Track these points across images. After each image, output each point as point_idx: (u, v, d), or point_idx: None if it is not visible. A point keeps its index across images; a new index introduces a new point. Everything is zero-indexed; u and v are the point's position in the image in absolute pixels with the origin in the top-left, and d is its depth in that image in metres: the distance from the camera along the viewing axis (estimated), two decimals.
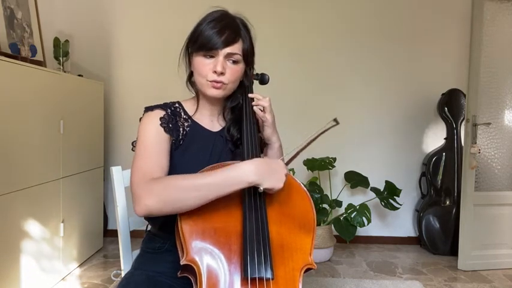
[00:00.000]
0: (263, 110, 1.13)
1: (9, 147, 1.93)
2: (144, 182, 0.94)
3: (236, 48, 1.06)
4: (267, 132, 1.15)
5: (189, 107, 1.16)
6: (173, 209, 0.91)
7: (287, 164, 1.10)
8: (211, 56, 1.05)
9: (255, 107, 1.13)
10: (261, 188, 0.93)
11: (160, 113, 1.08)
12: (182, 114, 1.13)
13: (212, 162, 1.03)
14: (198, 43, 1.05)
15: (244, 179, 0.91)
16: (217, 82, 1.05)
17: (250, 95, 1.15)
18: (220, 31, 1.03)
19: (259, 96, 1.14)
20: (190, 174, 0.94)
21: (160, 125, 1.06)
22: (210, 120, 1.17)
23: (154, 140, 1.04)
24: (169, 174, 1.03)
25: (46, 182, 2.24)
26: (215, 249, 0.90)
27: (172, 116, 1.09)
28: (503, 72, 2.78)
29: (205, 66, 1.05)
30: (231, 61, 1.06)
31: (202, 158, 1.09)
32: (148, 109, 1.10)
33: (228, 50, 1.04)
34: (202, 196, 0.90)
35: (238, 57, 1.07)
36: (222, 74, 1.04)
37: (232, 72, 1.07)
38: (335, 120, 1.09)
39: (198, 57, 1.06)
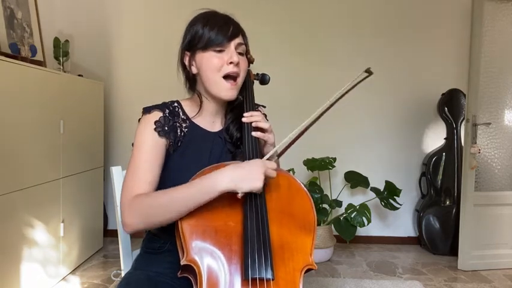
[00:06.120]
0: (264, 130, 1.09)
1: (9, 147, 1.93)
2: (127, 200, 0.97)
3: (241, 38, 1.09)
4: (269, 150, 1.11)
5: (189, 108, 1.14)
6: (155, 224, 0.97)
7: (307, 129, 1.04)
8: (221, 50, 1.05)
9: (253, 133, 1.07)
10: (239, 195, 0.92)
11: (157, 115, 1.07)
12: (181, 114, 1.12)
13: (212, 164, 1.02)
14: (204, 42, 1.04)
15: (216, 188, 0.91)
16: (232, 74, 1.06)
17: (245, 114, 1.09)
18: (224, 26, 1.05)
19: (258, 117, 1.09)
20: (168, 189, 0.95)
21: (155, 129, 1.04)
22: (211, 121, 1.16)
23: (146, 149, 1.03)
24: (169, 177, 1.03)
25: (46, 182, 2.24)
26: (215, 249, 0.90)
27: (170, 117, 1.08)
28: (503, 72, 2.78)
29: (217, 59, 1.05)
30: (238, 52, 1.07)
31: (201, 160, 1.08)
32: (146, 111, 1.08)
33: (237, 40, 1.06)
34: (181, 209, 0.92)
35: (244, 48, 1.10)
36: (238, 64, 1.05)
37: (243, 63, 1.09)
38: (367, 70, 1.02)
39: (206, 53, 1.05)
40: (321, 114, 1.02)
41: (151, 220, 0.95)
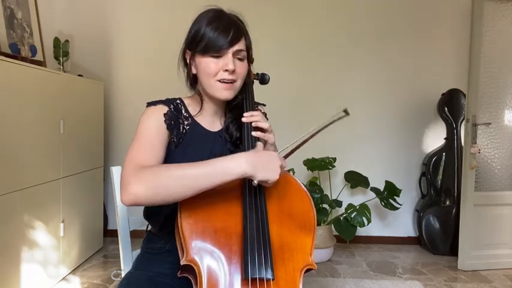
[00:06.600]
0: (264, 130, 1.09)
1: (9, 147, 1.93)
2: (134, 169, 0.90)
3: (242, 45, 1.07)
4: (269, 150, 1.10)
5: (191, 106, 1.14)
6: (162, 197, 0.88)
7: (292, 152, 1.08)
8: (219, 56, 1.04)
9: (253, 133, 1.07)
10: (255, 182, 0.91)
11: (164, 108, 1.07)
12: (183, 111, 1.12)
13: None
14: (204, 45, 1.04)
15: (236, 170, 0.89)
16: (227, 81, 1.05)
17: (245, 114, 1.09)
18: (225, 31, 1.03)
19: (258, 117, 1.09)
20: (183, 163, 0.91)
21: (165, 121, 1.05)
22: (212, 121, 1.16)
23: (154, 132, 1.03)
24: None
25: (46, 182, 2.24)
26: (215, 249, 0.90)
27: (175, 113, 1.08)
28: (503, 72, 2.78)
29: (214, 65, 1.04)
30: (237, 58, 1.06)
31: (202, 159, 1.08)
32: (151, 104, 1.08)
33: (236, 47, 1.04)
34: (193, 185, 0.88)
35: (244, 53, 1.08)
36: (233, 71, 1.04)
37: (241, 70, 1.07)
38: (345, 111, 1.05)
39: (204, 58, 1.05)
40: (299, 146, 1.05)
41: (158, 192, 0.87)
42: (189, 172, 0.89)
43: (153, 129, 1.03)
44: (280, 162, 0.94)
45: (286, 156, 1.07)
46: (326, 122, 1.04)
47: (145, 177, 0.88)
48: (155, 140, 1.02)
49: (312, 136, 1.04)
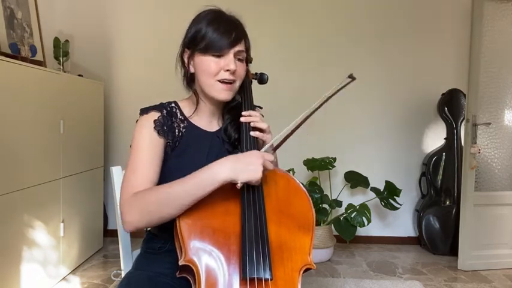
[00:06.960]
0: (262, 131, 1.09)
1: (9, 147, 1.93)
2: (127, 198, 0.96)
3: (242, 46, 1.08)
4: (268, 150, 1.11)
5: (186, 108, 1.14)
6: (157, 219, 0.94)
7: (298, 127, 1.06)
8: (220, 56, 1.04)
9: (251, 133, 1.08)
10: (239, 184, 0.92)
11: (155, 115, 1.07)
12: (178, 114, 1.12)
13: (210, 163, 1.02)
14: (205, 45, 1.04)
15: (216, 178, 0.91)
16: (227, 81, 1.05)
17: (243, 113, 1.10)
18: (227, 31, 1.04)
19: (256, 117, 1.09)
20: (167, 183, 0.95)
21: (154, 128, 1.05)
22: (209, 121, 1.16)
23: (146, 148, 1.03)
24: (167, 178, 1.03)
25: (46, 182, 2.24)
26: (214, 249, 0.90)
27: (168, 117, 1.08)
28: (503, 72, 2.78)
29: (214, 64, 1.04)
30: (237, 59, 1.07)
31: (199, 160, 1.07)
32: (144, 111, 1.08)
33: (237, 48, 1.05)
34: (182, 202, 0.91)
35: (244, 55, 1.09)
36: (234, 72, 1.05)
37: (241, 70, 1.08)
38: (350, 76, 1.04)
39: (205, 57, 1.05)
40: (310, 115, 1.06)
41: (151, 216, 0.93)
42: (175, 191, 0.92)
43: (145, 144, 1.04)
44: (262, 160, 0.94)
45: (288, 136, 1.05)
46: (333, 91, 1.02)
47: (137, 205, 0.94)
48: (148, 155, 1.03)
49: (318, 107, 1.03)
